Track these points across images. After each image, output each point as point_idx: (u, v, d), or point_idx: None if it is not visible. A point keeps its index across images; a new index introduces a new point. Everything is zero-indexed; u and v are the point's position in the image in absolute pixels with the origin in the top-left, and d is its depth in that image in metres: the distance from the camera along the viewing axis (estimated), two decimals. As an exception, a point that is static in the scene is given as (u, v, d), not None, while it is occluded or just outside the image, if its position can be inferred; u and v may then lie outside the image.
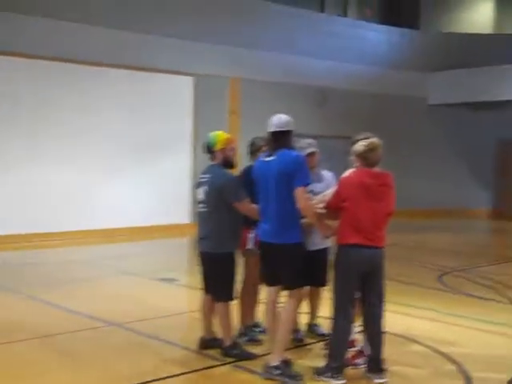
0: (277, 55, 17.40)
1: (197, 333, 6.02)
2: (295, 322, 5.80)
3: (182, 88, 15.61)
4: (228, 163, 5.87)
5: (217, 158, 5.83)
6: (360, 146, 5.20)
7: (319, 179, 5.96)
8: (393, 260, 7.89)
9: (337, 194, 5.19)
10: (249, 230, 5.94)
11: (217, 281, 5.75)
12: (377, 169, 5.19)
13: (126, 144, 14.56)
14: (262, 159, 5.49)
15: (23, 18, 13.13)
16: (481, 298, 8.43)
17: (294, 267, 5.30)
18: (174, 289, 9.18)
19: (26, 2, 13.30)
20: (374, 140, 5.23)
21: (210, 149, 5.84)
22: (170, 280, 9.44)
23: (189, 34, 15.53)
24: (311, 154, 5.90)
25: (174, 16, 15.33)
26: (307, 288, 5.97)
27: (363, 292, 5.19)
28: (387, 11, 22.50)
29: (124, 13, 14.67)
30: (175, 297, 8.79)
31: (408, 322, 7.05)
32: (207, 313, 5.97)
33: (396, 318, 6.88)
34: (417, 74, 20.31)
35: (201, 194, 5.79)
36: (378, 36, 19.98)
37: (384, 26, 20.52)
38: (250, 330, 6.27)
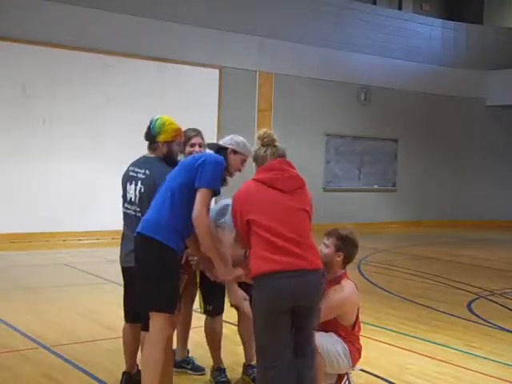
0: (315, 48, 16.09)
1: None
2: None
3: (208, 81, 14.50)
4: (171, 160, 4.55)
5: (158, 151, 4.57)
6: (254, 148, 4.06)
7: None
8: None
9: (233, 213, 3.80)
10: None
11: None
12: None
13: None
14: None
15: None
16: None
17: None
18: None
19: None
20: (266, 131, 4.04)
21: (151, 137, 4.57)
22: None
23: (216, 23, 14.43)
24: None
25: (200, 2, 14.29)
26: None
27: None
28: (447, 5, 20.81)
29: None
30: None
31: (402, 357, 5.63)
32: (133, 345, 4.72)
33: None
34: (474, 73, 18.60)
35: (132, 192, 4.49)
36: (431, 31, 18.43)
37: (439, 20, 18.94)
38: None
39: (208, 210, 4.05)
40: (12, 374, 5.02)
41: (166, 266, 4.00)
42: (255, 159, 3.98)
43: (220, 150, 4.29)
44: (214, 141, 4.55)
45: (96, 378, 4.94)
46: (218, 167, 4.05)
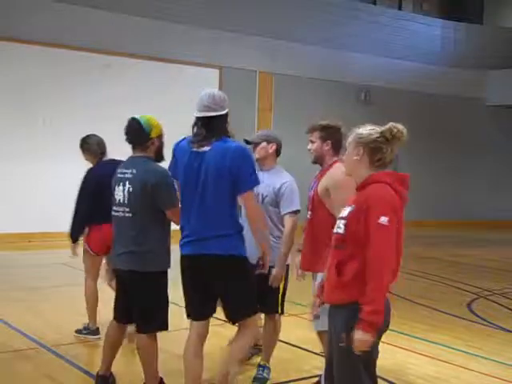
0: (315, 48, 16.07)
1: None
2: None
3: (208, 81, 14.49)
4: (160, 156, 4.55)
5: (152, 148, 4.51)
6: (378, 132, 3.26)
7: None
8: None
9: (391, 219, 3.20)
10: None
11: (146, 306, 4.39)
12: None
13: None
14: (191, 149, 4.11)
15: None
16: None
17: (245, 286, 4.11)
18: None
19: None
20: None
21: (142, 136, 4.47)
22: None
23: (216, 23, 14.42)
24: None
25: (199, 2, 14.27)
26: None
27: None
28: (447, 5, 20.82)
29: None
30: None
31: (401, 357, 5.62)
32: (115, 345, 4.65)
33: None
34: (474, 73, 18.58)
35: (120, 194, 4.42)
36: (431, 31, 18.43)
37: (438, 20, 18.94)
38: None
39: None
40: (12, 373, 5.02)
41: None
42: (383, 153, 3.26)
43: (221, 118, 4.11)
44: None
45: (96, 378, 4.93)
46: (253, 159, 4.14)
